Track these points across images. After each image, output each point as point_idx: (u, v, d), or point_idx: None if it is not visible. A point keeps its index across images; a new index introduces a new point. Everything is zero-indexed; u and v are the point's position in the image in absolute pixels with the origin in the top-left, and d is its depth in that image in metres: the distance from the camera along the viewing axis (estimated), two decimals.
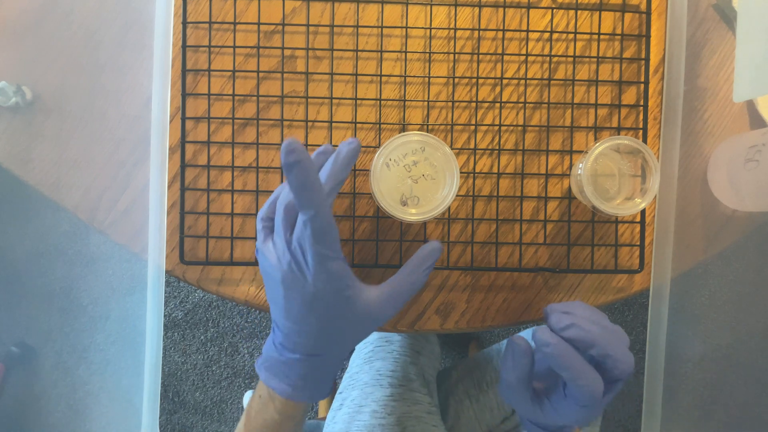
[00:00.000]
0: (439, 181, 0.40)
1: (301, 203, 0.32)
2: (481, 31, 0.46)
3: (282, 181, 0.46)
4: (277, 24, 0.46)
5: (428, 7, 0.46)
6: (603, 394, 0.35)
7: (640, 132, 0.46)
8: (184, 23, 0.46)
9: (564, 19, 0.46)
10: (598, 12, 0.46)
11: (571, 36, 0.46)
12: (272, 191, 0.43)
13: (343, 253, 0.35)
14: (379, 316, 0.37)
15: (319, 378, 0.38)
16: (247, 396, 1.18)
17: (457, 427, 0.68)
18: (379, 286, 0.37)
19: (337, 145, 0.40)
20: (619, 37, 0.47)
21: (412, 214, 0.39)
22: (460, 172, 0.46)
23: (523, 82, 0.46)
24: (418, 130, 0.47)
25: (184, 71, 0.46)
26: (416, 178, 0.40)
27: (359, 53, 0.46)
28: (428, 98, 0.46)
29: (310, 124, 0.46)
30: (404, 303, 0.38)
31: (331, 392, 0.40)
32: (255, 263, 0.46)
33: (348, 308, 0.35)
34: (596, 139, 0.46)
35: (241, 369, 1.28)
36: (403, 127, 0.47)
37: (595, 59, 0.46)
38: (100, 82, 0.48)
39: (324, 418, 0.73)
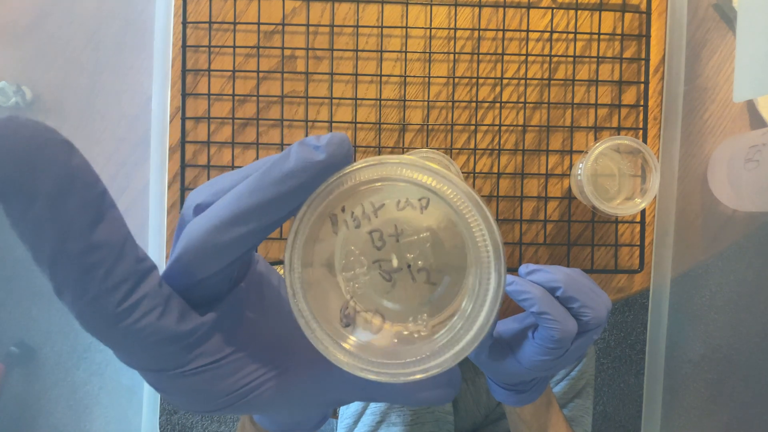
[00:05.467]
0: (451, 287, 0.17)
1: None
2: (481, 31, 0.46)
3: None
4: (277, 24, 0.46)
5: (428, 7, 0.46)
6: (573, 340, 0.34)
7: (640, 132, 0.46)
8: (184, 23, 0.46)
9: (564, 19, 0.46)
10: (598, 12, 0.46)
11: (571, 36, 0.46)
12: None
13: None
14: (322, 402, 0.20)
15: (288, 421, 0.27)
16: None
17: (455, 412, 0.68)
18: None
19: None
20: (619, 37, 0.46)
21: (367, 364, 0.16)
22: (461, 172, 0.46)
23: (523, 82, 0.46)
24: (418, 130, 0.47)
25: (184, 71, 0.46)
26: (394, 270, 0.17)
27: (359, 53, 0.46)
28: (428, 98, 0.46)
29: (310, 124, 0.46)
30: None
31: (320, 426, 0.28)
32: None
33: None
34: (596, 139, 0.46)
35: None
36: (404, 128, 0.47)
37: (595, 59, 0.46)
38: (100, 82, 0.48)
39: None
